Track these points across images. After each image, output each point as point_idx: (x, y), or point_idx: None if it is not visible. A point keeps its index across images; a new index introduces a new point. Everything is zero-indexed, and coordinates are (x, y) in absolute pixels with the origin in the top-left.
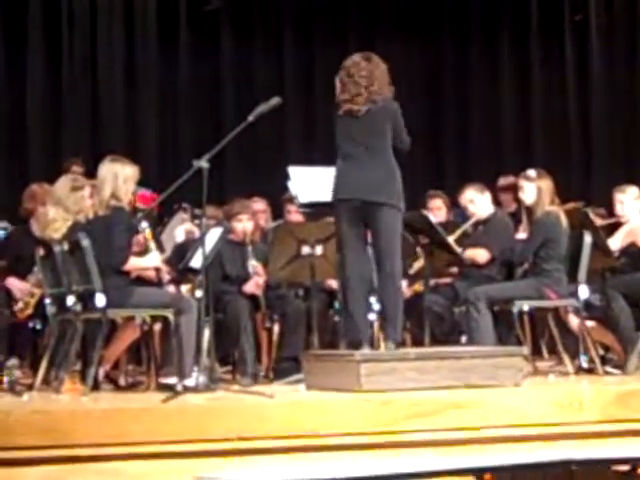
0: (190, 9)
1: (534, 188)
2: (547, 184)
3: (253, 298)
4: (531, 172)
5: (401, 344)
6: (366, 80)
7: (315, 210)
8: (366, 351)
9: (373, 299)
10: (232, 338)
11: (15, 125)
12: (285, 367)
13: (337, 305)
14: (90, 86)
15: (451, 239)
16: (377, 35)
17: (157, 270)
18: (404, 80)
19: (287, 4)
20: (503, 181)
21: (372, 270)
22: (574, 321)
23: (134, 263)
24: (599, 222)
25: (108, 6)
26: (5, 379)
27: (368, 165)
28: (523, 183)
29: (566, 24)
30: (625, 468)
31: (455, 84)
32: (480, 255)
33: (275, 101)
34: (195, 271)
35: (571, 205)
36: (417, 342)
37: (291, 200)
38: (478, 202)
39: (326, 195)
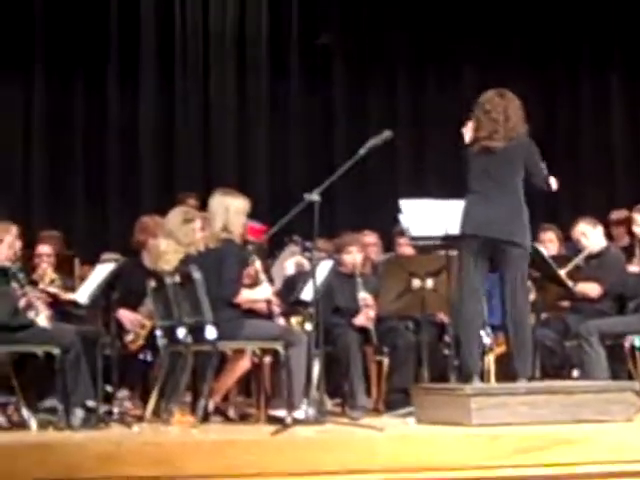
0: (302, 41)
1: None
2: None
3: (363, 330)
4: None
5: (532, 378)
6: (502, 116)
7: (426, 243)
8: (477, 385)
9: (483, 333)
10: (342, 370)
11: (128, 157)
12: (395, 399)
13: (447, 338)
14: (202, 119)
15: (563, 272)
16: (489, 68)
17: (268, 302)
18: None
19: (401, 37)
20: (616, 215)
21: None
22: None
23: (245, 295)
24: None
25: (220, 44)
26: (116, 410)
27: (497, 201)
28: (638, 217)
29: None
30: None
31: (567, 117)
32: (592, 289)
33: (386, 135)
34: (305, 304)
35: None
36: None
37: (402, 233)
38: (590, 235)
39: (437, 229)
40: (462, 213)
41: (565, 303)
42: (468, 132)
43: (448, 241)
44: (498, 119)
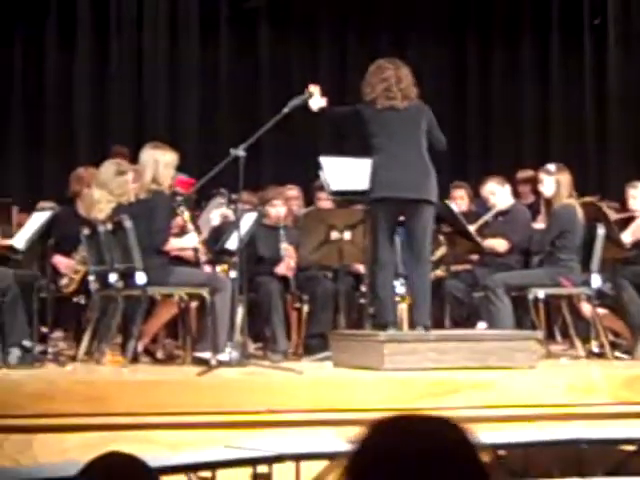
0: (231, 5)
1: (553, 181)
2: (566, 178)
3: (284, 279)
4: (551, 166)
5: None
6: (394, 78)
7: (344, 197)
8: (391, 332)
9: (397, 283)
10: (264, 316)
11: (63, 111)
12: (313, 344)
13: (363, 288)
14: (136, 77)
15: (472, 228)
16: (407, 35)
17: (195, 251)
18: (432, 75)
19: (322, 4)
20: (522, 174)
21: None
22: (586, 308)
23: (173, 244)
24: (613, 216)
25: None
26: (50, 350)
27: (407, 161)
28: (543, 176)
29: (585, 26)
30: (631, 448)
31: (478, 83)
32: (500, 244)
33: (308, 94)
34: (230, 253)
35: (587, 199)
36: (438, 324)
37: (322, 188)
38: (499, 194)
39: (354, 184)
40: (372, 174)
41: (474, 257)
42: (316, 99)
43: (364, 197)
44: (390, 79)
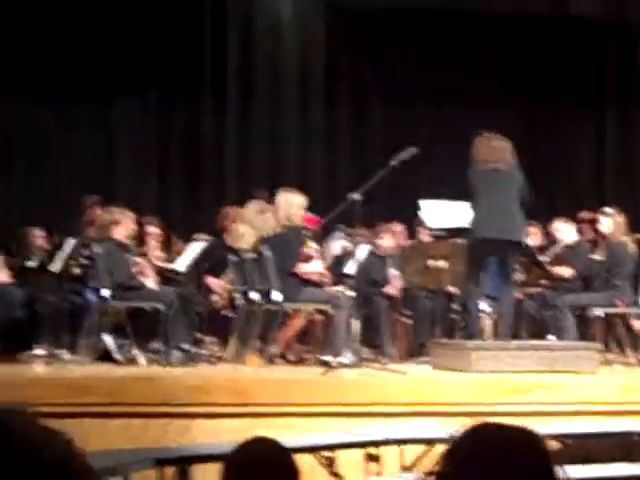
0: (349, 80)
1: (610, 222)
2: (620, 219)
3: (391, 298)
4: (608, 209)
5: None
6: (499, 148)
7: (440, 233)
8: (477, 341)
9: (484, 303)
10: (375, 328)
11: (216, 162)
12: (415, 351)
13: (454, 306)
14: (273, 134)
15: (543, 259)
16: (487, 107)
17: (320, 275)
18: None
19: (421, 78)
20: (583, 215)
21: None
22: (636, 324)
23: (303, 268)
24: None
25: (286, 77)
26: (204, 352)
27: (506, 211)
28: (602, 218)
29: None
30: None
31: (545, 147)
32: (566, 272)
33: (411, 150)
34: (348, 276)
35: (637, 236)
36: (515, 336)
37: (422, 225)
38: (565, 231)
39: (446, 222)
40: (478, 219)
41: (545, 282)
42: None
43: (456, 232)
44: (495, 148)
